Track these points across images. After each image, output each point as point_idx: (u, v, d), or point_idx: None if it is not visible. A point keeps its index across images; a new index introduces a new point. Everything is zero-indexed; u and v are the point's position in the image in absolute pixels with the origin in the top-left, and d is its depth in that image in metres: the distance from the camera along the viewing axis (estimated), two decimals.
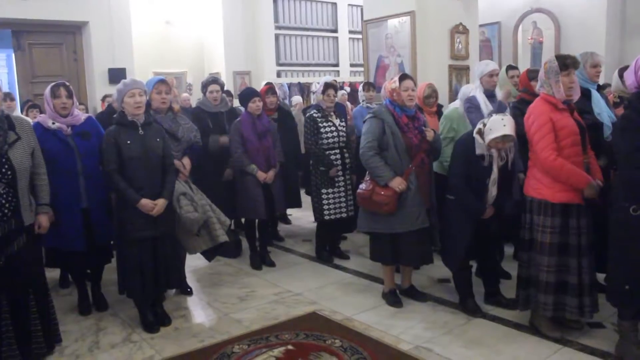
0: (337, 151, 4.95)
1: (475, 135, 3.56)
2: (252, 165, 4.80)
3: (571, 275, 3.27)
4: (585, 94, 3.67)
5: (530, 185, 3.40)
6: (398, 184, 3.74)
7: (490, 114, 3.68)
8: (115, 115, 3.74)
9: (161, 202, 3.63)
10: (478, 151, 3.55)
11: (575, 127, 3.25)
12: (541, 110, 3.29)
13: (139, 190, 3.56)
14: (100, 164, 3.69)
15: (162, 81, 4.17)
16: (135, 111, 3.60)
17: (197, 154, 4.42)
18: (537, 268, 3.34)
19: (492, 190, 3.57)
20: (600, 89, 3.96)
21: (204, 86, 5.30)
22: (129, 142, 3.57)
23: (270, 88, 5.54)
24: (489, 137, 3.45)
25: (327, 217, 4.98)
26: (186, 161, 4.22)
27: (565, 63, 3.24)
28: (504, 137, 3.42)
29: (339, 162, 4.95)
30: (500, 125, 3.42)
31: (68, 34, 8.55)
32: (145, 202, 3.54)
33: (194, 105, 8.68)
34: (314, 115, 4.97)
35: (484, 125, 3.51)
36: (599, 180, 3.29)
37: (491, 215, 3.63)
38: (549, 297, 3.30)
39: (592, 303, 3.29)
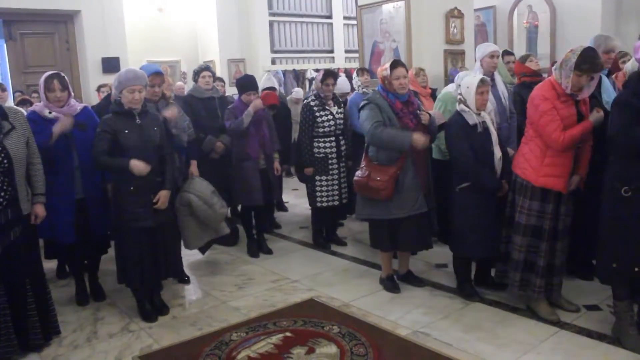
0: (333, 138, 4.93)
1: (459, 108, 3.61)
2: (245, 112, 4.68)
3: (539, 257, 3.37)
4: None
5: (518, 163, 3.45)
6: (419, 138, 3.68)
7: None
8: (111, 104, 3.70)
9: (164, 194, 3.62)
10: (471, 121, 3.57)
11: (575, 118, 3.24)
12: (545, 95, 3.25)
13: (137, 180, 3.53)
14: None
15: (157, 73, 4.14)
16: (131, 105, 3.57)
17: (198, 152, 4.68)
18: (513, 246, 3.47)
19: (496, 153, 3.61)
20: (609, 74, 3.92)
21: (196, 73, 5.36)
22: (126, 131, 3.54)
23: (273, 104, 5.54)
24: (472, 94, 3.52)
25: (319, 205, 4.99)
26: (194, 168, 4.46)
27: (582, 66, 3.10)
28: (483, 82, 3.54)
29: (333, 149, 4.94)
30: (469, 78, 3.57)
31: (60, 23, 8.45)
32: (135, 163, 3.47)
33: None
34: (311, 103, 4.94)
35: (460, 94, 3.60)
36: (576, 176, 3.35)
37: (506, 191, 3.59)
38: (516, 274, 3.45)
39: (560, 282, 3.48)
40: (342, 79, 6.22)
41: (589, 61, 3.11)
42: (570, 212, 3.39)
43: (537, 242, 3.38)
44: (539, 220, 3.35)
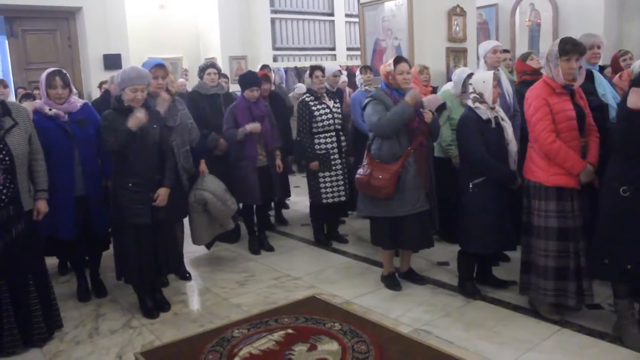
0: (333, 134, 4.94)
1: (475, 107, 3.58)
2: (240, 129, 4.73)
3: (571, 259, 3.26)
4: (588, 76, 3.65)
5: (528, 168, 3.41)
6: (411, 94, 3.72)
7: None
8: (112, 100, 3.70)
9: (163, 191, 3.62)
10: (484, 116, 3.56)
11: (572, 112, 3.23)
12: (538, 92, 3.27)
13: (136, 175, 3.53)
14: (103, 145, 3.60)
15: (160, 65, 4.14)
16: (132, 104, 3.57)
17: (204, 149, 4.73)
18: (536, 253, 3.34)
19: (511, 146, 3.60)
20: (601, 69, 3.93)
21: (202, 70, 5.35)
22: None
23: (265, 75, 5.57)
24: (489, 87, 3.53)
25: (324, 201, 4.99)
26: (203, 166, 4.56)
27: (565, 48, 3.16)
28: (494, 76, 3.60)
29: (334, 144, 4.94)
30: (481, 73, 3.65)
31: (62, 20, 8.46)
32: (133, 114, 3.48)
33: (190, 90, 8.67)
34: (307, 99, 4.98)
35: (475, 91, 3.60)
36: (589, 165, 3.24)
37: (520, 184, 3.56)
38: (549, 282, 3.29)
39: (590, 286, 3.29)
40: (329, 63, 6.47)
41: (570, 42, 3.18)
42: (586, 208, 3.29)
43: (565, 244, 3.25)
44: (559, 221, 3.24)
